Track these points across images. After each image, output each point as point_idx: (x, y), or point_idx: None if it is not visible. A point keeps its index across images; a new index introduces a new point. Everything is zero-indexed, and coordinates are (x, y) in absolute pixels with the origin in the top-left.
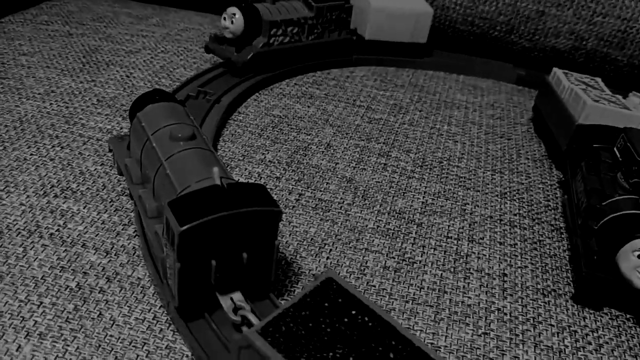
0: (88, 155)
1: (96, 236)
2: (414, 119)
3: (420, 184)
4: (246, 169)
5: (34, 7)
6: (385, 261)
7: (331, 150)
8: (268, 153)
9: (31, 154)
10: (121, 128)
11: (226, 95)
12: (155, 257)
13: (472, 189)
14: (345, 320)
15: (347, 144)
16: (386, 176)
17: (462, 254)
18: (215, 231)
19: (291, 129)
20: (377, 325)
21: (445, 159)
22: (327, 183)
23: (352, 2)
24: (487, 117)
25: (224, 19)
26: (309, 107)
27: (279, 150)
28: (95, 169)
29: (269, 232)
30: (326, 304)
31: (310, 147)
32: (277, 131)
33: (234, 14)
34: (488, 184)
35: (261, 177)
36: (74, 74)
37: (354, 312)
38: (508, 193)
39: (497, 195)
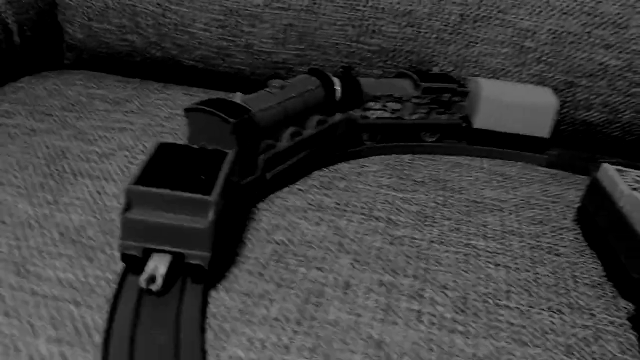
0: (41, 327)
1: None
2: (444, 232)
3: (466, 343)
4: (244, 333)
5: None
6: None
7: (350, 293)
8: (272, 305)
9: None
10: (85, 276)
11: None
12: None
13: (530, 344)
14: None
15: (369, 281)
16: (423, 332)
17: None
18: None
19: (299, 261)
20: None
21: (490, 295)
22: (351, 350)
23: (471, 84)
24: (526, 222)
25: None
26: (318, 224)
27: (286, 299)
28: (49, 350)
29: None
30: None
31: (325, 291)
32: (282, 267)
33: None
34: (548, 333)
35: (265, 347)
36: (33, 193)
37: None
38: (574, 346)
39: (562, 352)
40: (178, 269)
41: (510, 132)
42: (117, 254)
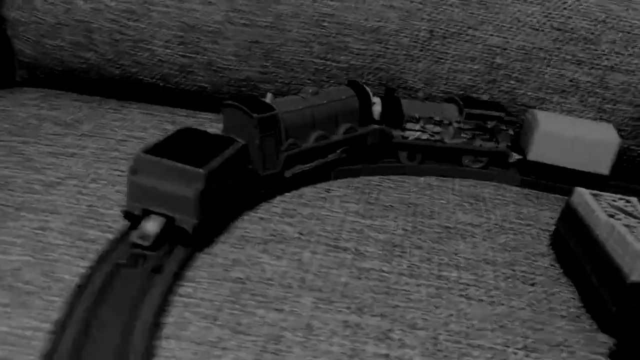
0: None
1: None
2: (414, 263)
3: None
4: None
5: None
6: None
7: (313, 337)
8: (226, 354)
9: None
10: (21, 328)
11: (172, 255)
12: None
13: None
14: None
15: (333, 323)
16: None
17: None
18: None
19: (258, 302)
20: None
21: (463, 334)
22: None
23: (527, 116)
24: (500, 249)
25: None
26: (279, 257)
27: (242, 347)
28: None
29: None
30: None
31: (284, 336)
32: (239, 309)
33: (373, 103)
34: None
35: None
36: None
37: None
38: None
39: None
40: (170, 231)
41: (567, 167)
42: (57, 300)
